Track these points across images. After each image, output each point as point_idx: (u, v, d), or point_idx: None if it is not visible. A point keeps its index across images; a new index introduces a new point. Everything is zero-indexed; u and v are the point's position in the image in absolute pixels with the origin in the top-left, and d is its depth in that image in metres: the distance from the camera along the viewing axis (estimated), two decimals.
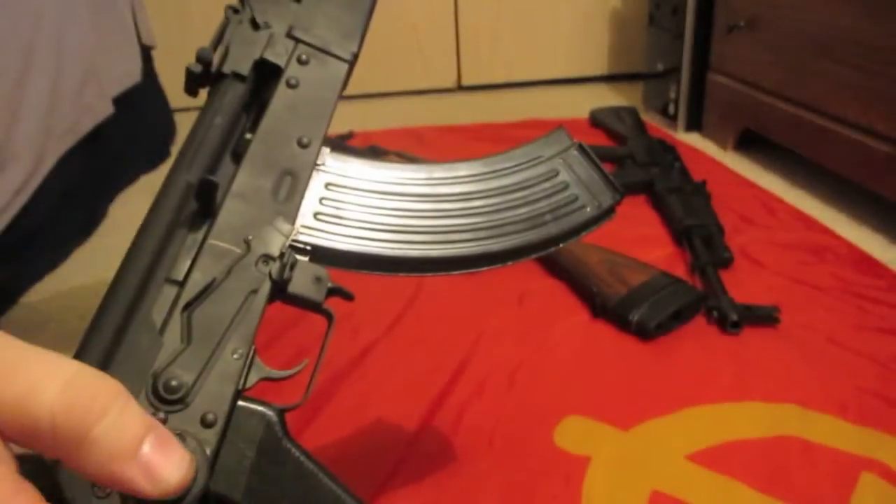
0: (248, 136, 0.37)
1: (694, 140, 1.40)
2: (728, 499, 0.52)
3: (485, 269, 0.44)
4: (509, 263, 0.44)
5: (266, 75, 0.39)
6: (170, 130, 0.75)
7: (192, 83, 0.39)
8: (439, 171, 0.41)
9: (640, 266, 0.80)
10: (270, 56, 0.38)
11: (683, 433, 0.59)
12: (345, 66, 0.40)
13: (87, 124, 0.61)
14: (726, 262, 0.86)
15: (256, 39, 0.39)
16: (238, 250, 0.34)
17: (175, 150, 0.46)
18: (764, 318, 0.74)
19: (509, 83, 1.93)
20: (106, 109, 0.62)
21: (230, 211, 0.35)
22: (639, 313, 0.72)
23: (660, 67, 1.51)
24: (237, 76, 0.38)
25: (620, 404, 0.63)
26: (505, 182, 0.42)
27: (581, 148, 0.42)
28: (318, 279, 0.36)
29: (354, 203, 0.39)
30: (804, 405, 0.62)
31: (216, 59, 0.38)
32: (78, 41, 0.59)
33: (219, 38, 0.38)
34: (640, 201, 1.08)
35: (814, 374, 0.66)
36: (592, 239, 0.86)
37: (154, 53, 0.72)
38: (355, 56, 0.41)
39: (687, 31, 1.38)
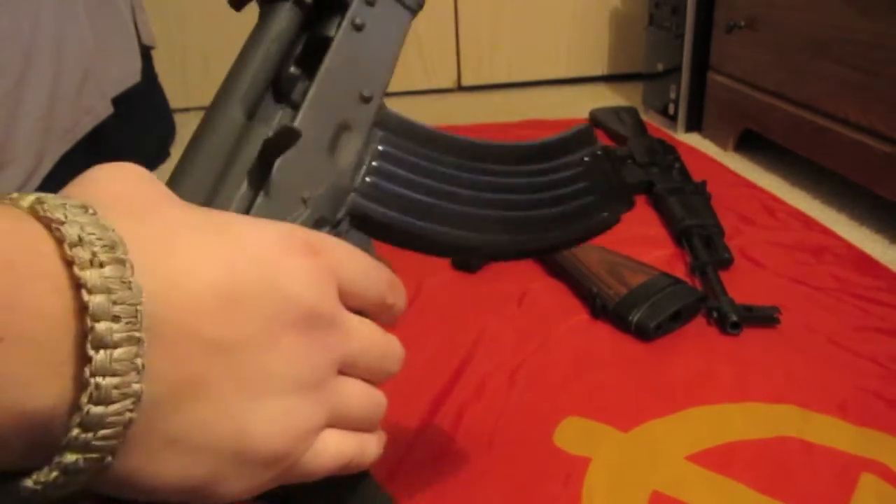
0: (293, 70, 0.33)
1: (694, 140, 1.40)
2: (728, 499, 0.52)
3: (510, 260, 0.42)
4: (529, 258, 0.44)
5: (326, 7, 0.34)
6: (169, 130, 0.75)
7: None
8: (497, 151, 0.39)
9: (640, 266, 0.80)
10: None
11: (683, 434, 0.59)
12: (409, 17, 0.36)
13: (86, 124, 0.61)
14: (726, 263, 0.86)
15: None
16: (297, 211, 0.31)
17: (175, 150, 0.46)
18: (764, 318, 0.74)
19: (509, 83, 1.93)
20: (106, 109, 0.62)
21: (287, 162, 0.31)
22: (639, 314, 0.72)
23: (660, 67, 1.51)
24: (297, 1, 0.33)
25: (620, 405, 0.63)
26: (541, 180, 0.40)
27: (606, 150, 0.42)
28: (364, 250, 0.33)
29: (407, 173, 0.36)
30: (804, 406, 0.62)
31: None
32: (77, 41, 0.59)
33: None
34: (640, 201, 1.08)
35: (814, 374, 0.66)
36: (592, 239, 0.87)
37: (154, 53, 0.72)
38: (420, 7, 0.37)
39: (687, 31, 1.38)
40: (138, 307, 0.19)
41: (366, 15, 0.35)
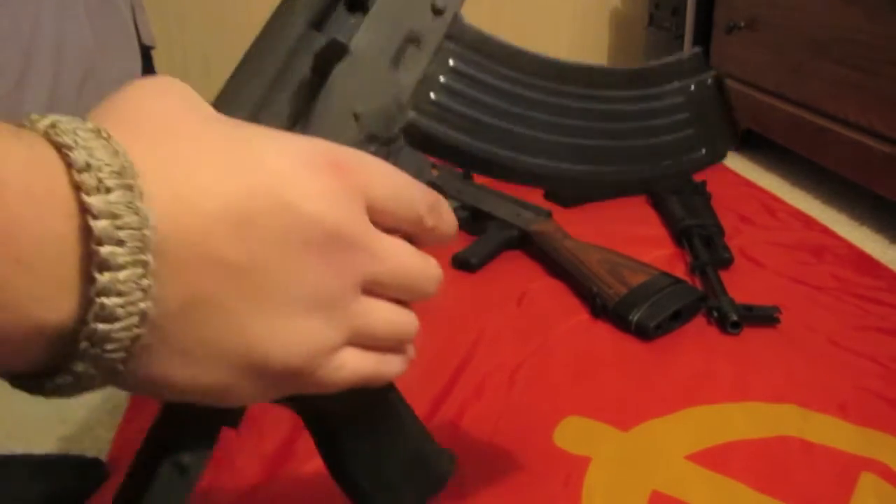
0: None
1: None
2: (728, 499, 0.52)
3: (587, 191, 0.41)
4: (606, 195, 0.42)
5: None
6: None
7: None
8: (577, 75, 0.36)
9: (640, 266, 0.80)
10: None
11: (683, 433, 0.59)
12: None
13: None
14: (726, 263, 0.86)
15: None
16: (346, 126, 0.30)
17: None
18: (764, 318, 0.74)
19: None
20: None
21: (343, 74, 0.29)
22: (639, 313, 0.72)
23: None
24: None
25: (620, 404, 0.63)
26: (632, 108, 0.37)
27: (718, 80, 0.38)
28: (420, 171, 0.32)
29: (478, 93, 0.34)
30: (804, 405, 0.62)
31: None
32: (77, 41, 0.59)
33: None
34: (640, 201, 1.08)
35: (814, 374, 0.66)
36: (592, 239, 0.87)
37: (154, 53, 0.72)
38: None
39: (687, 32, 1.38)
40: (145, 231, 0.19)
41: None
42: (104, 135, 0.20)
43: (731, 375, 0.66)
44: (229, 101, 0.28)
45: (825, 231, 0.97)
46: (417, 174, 0.31)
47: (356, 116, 0.30)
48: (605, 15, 1.89)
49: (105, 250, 0.19)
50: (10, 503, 0.34)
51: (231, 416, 0.30)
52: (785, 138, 1.17)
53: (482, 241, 0.91)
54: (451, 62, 0.33)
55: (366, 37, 0.30)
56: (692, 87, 0.38)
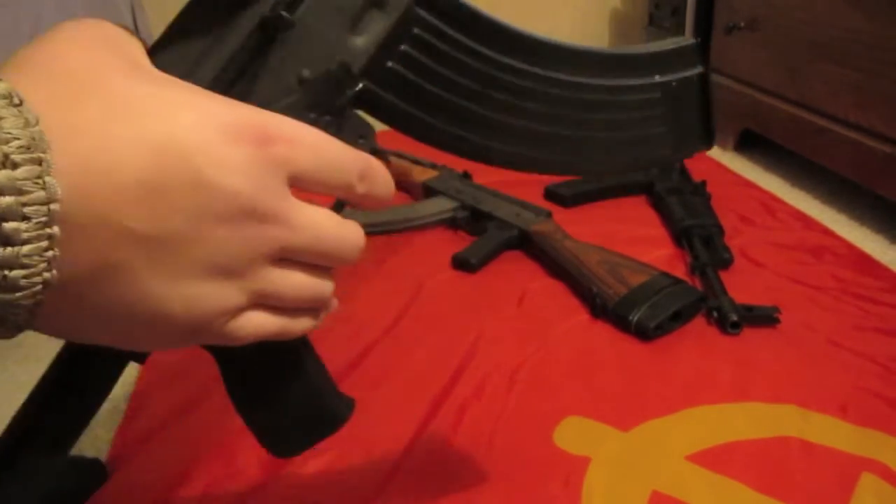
0: None
1: None
2: (728, 499, 0.52)
3: (537, 173, 0.37)
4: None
5: None
6: None
7: None
8: (550, 55, 0.34)
9: (639, 266, 0.80)
10: None
11: (683, 433, 0.59)
12: None
13: None
14: (726, 263, 0.86)
15: None
16: (289, 91, 0.29)
17: None
18: (764, 318, 0.74)
19: None
20: None
21: (291, 37, 0.28)
22: (638, 314, 0.72)
23: None
24: None
25: (620, 405, 0.63)
26: (603, 97, 0.35)
27: (703, 78, 0.35)
28: (361, 137, 0.31)
29: (440, 66, 0.32)
30: (804, 405, 0.62)
31: None
32: None
33: None
34: (640, 201, 1.08)
35: (814, 374, 0.66)
36: (592, 239, 0.87)
37: None
38: None
39: (687, 32, 1.38)
40: (51, 206, 0.20)
41: None
42: (16, 101, 0.19)
43: (731, 375, 0.66)
44: (165, 52, 0.27)
45: (825, 231, 0.97)
46: (358, 141, 0.31)
47: (301, 81, 0.29)
48: (605, 15, 1.89)
49: (9, 226, 0.19)
50: (10, 503, 0.34)
51: (139, 355, 0.32)
52: (785, 138, 1.17)
53: (482, 241, 0.91)
54: (414, 29, 0.31)
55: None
56: (673, 83, 0.35)
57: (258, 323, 0.27)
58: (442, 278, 0.86)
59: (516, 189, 1.00)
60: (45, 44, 0.23)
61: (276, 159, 0.25)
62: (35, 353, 0.72)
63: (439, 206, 0.99)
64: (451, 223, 0.99)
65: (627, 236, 0.92)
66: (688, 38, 0.36)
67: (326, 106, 0.29)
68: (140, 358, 0.33)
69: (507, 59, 0.33)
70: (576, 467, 0.56)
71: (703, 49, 0.35)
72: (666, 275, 0.78)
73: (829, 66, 1.04)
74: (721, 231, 0.92)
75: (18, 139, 0.19)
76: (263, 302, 0.27)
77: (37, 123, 0.20)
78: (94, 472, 0.56)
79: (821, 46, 1.06)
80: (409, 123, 0.33)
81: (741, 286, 0.79)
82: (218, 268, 0.24)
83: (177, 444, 0.60)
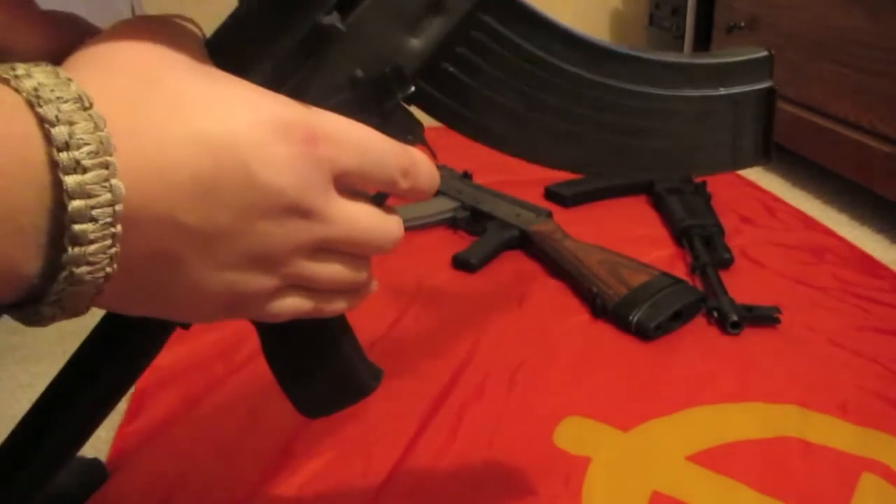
0: None
1: None
2: (728, 499, 0.52)
3: (587, 175, 0.37)
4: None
5: None
6: None
7: None
8: (609, 61, 0.33)
9: (640, 266, 0.80)
10: None
11: (683, 433, 0.59)
12: None
13: None
14: (726, 263, 0.86)
15: None
16: (341, 90, 0.28)
17: None
18: (764, 318, 0.73)
19: None
20: None
21: (347, 37, 0.27)
22: (639, 314, 0.72)
23: None
24: None
25: (620, 405, 0.63)
26: (663, 106, 0.33)
27: (770, 94, 0.33)
28: (410, 134, 0.31)
29: (496, 70, 0.32)
30: (804, 405, 0.62)
31: None
32: None
33: None
34: (640, 201, 1.08)
35: (814, 374, 0.66)
36: (592, 239, 0.87)
37: None
38: None
39: (687, 31, 1.38)
40: (116, 207, 0.21)
41: None
42: (86, 104, 0.20)
43: (731, 375, 0.66)
44: (221, 47, 0.27)
45: (826, 231, 0.97)
46: (406, 136, 0.31)
47: (353, 80, 0.29)
48: (605, 15, 1.89)
49: (78, 227, 0.20)
50: (10, 503, 0.34)
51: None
52: (785, 138, 1.17)
53: (482, 241, 0.91)
54: (472, 32, 0.31)
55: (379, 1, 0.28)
56: (739, 95, 0.34)
57: (294, 303, 0.28)
58: (442, 278, 0.86)
59: (516, 189, 1.00)
60: (109, 41, 0.24)
61: (321, 158, 0.26)
62: (35, 354, 0.72)
63: (439, 206, 0.99)
64: (452, 223, 0.99)
65: (627, 236, 0.92)
66: (761, 50, 0.34)
67: (376, 106, 0.30)
68: (186, 325, 0.34)
69: (564, 64, 0.32)
70: (576, 467, 0.55)
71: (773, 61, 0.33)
72: (666, 275, 0.78)
73: (830, 65, 1.04)
74: (721, 231, 0.92)
75: (89, 144, 0.20)
76: (299, 284, 0.28)
77: (104, 127, 0.21)
78: (94, 472, 0.56)
79: (821, 46, 1.06)
80: (460, 122, 0.33)
81: (741, 286, 0.79)
82: (260, 258, 0.26)
83: (177, 444, 0.60)
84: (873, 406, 0.61)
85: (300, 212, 0.25)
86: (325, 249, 0.28)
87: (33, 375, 0.69)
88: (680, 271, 0.84)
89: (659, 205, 1.03)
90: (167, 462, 0.58)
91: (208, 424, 0.62)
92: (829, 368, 0.66)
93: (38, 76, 0.20)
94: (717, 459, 0.56)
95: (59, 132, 0.20)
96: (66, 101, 0.20)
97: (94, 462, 0.57)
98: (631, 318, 0.72)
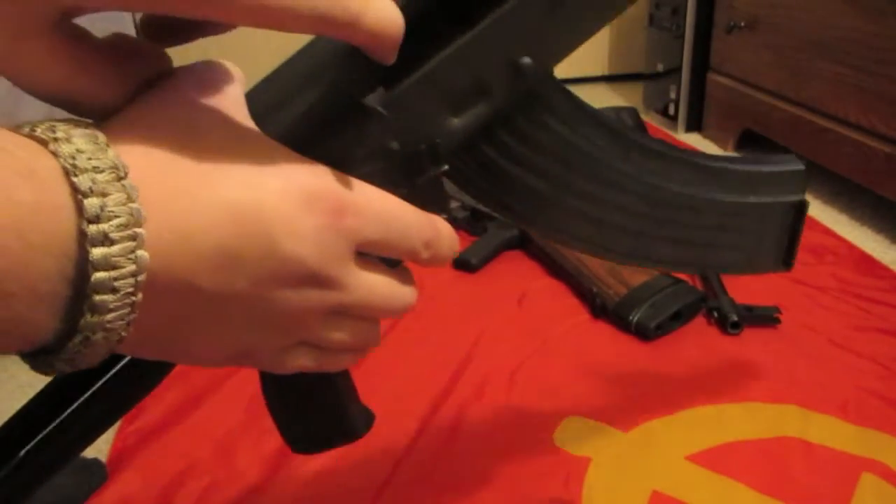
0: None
1: (694, 140, 1.40)
2: (728, 499, 0.52)
3: (606, 259, 0.37)
4: (627, 263, 0.37)
5: None
6: None
7: None
8: (646, 157, 0.33)
9: (640, 267, 0.80)
10: None
11: (684, 434, 0.59)
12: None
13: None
14: None
15: None
16: (375, 160, 0.28)
17: None
18: (764, 318, 0.73)
19: None
20: None
21: (388, 106, 0.26)
22: (639, 314, 0.72)
23: (660, 68, 1.51)
24: None
25: (620, 405, 0.63)
26: (691, 203, 0.33)
27: (801, 208, 0.34)
28: (438, 208, 0.31)
29: (537, 155, 0.32)
30: (804, 406, 0.61)
31: None
32: None
33: None
34: None
35: (814, 374, 0.66)
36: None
37: None
38: None
39: (687, 32, 1.38)
40: (139, 277, 0.21)
41: None
42: (122, 174, 0.20)
43: (731, 375, 0.66)
44: (261, 98, 0.27)
45: (826, 231, 0.97)
46: (433, 207, 0.30)
47: (387, 151, 0.28)
48: None
49: (98, 298, 0.20)
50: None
51: None
52: (785, 138, 1.17)
53: (482, 241, 0.91)
54: (516, 118, 0.30)
55: (431, 76, 0.28)
56: (769, 204, 0.34)
57: (301, 359, 0.29)
58: (442, 278, 0.86)
59: None
60: (156, 96, 0.24)
61: (345, 229, 0.26)
62: None
63: None
64: (452, 223, 0.98)
65: None
66: (797, 162, 0.34)
67: (407, 180, 0.29)
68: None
69: (601, 154, 0.33)
70: (576, 467, 0.55)
71: (807, 176, 0.33)
72: (666, 275, 0.78)
73: (830, 65, 1.04)
74: None
75: (119, 217, 0.20)
76: (309, 343, 0.28)
77: (137, 198, 0.20)
78: (94, 472, 0.56)
79: (821, 46, 1.06)
80: (487, 198, 0.33)
81: (741, 286, 0.79)
82: (272, 322, 0.26)
83: (177, 444, 0.60)
84: (873, 406, 0.61)
85: (318, 281, 0.26)
86: (338, 313, 0.28)
87: (34, 376, 0.68)
88: (680, 271, 0.84)
89: None
90: (167, 462, 0.58)
91: (208, 424, 0.62)
92: (829, 368, 0.66)
93: (77, 141, 0.20)
94: (717, 459, 0.56)
95: (92, 204, 0.19)
96: (101, 171, 0.20)
97: (94, 462, 0.57)
98: (631, 318, 0.72)
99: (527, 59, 0.28)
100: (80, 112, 0.23)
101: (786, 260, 0.36)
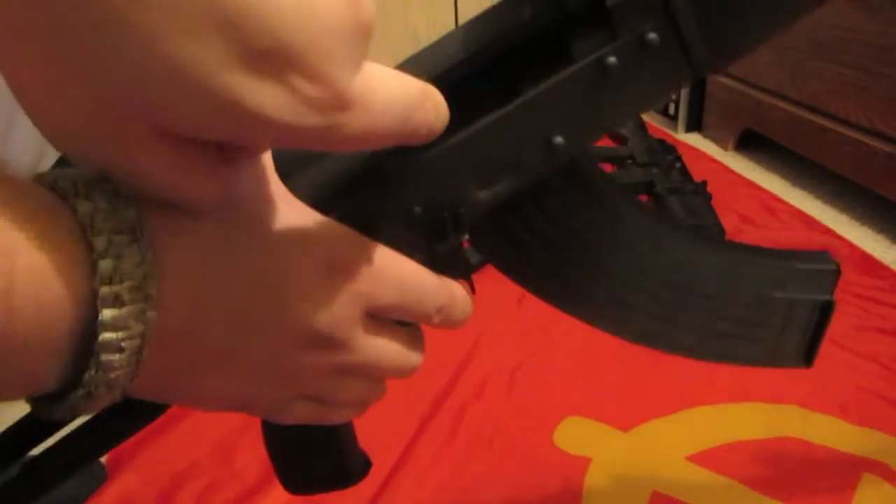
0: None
1: (694, 140, 1.40)
2: (728, 499, 0.52)
3: (619, 337, 0.37)
4: (639, 343, 0.37)
5: (586, 21, 0.26)
6: None
7: None
8: (674, 245, 0.33)
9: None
10: (620, 17, 0.25)
11: (684, 434, 0.59)
12: (681, 79, 0.27)
13: None
14: None
15: None
16: (396, 220, 0.28)
17: None
18: None
19: None
20: None
21: (416, 169, 0.26)
22: None
23: None
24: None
25: (620, 405, 0.63)
26: (715, 292, 0.33)
27: (828, 308, 0.33)
28: (457, 274, 0.31)
29: (556, 231, 0.32)
30: (805, 406, 0.61)
31: None
32: None
33: None
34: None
35: (814, 374, 0.66)
36: None
37: None
38: (706, 72, 0.28)
39: None
40: (147, 337, 0.20)
41: (623, 58, 0.26)
42: (139, 234, 0.20)
43: (732, 376, 0.66)
44: (286, 159, 0.27)
45: (826, 231, 0.97)
46: (450, 272, 0.30)
47: (410, 215, 0.28)
48: None
49: (105, 357, 0.20)
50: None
51: None
52: (785, 138, 1.17)
53: None
54: (544, 195, 0.30)
55: (462, 146, 0.27)
56: (795, 300, 0.33)
57: (303, 412, 0.28)
58: None
59: None
60: None
61: (359, 294, 0.25)
62: None
63: None
64: None
65: None
66: (830, 262, 0.33)
67: (428, 245, 0.29)
68: None
69: (629, 236, 0.32)
70: (576, 467, 0.55)
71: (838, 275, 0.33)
72: None
73: (830, 65, 1.04)
74: (722, 231, 0.92)
75: (131, 279, 0.19)
76: (311, 396, 0.28)
77: (152, 259, 0.20)
78: (94, 472, 0.56)
79: (821, 45, 1.06)
80: (504, 265, 0.34)
81: None
82: (276, 376, 0.26)
83: (177, 444, 0.60)
84: (873, 406, 0.61)
85: (327, 343, 0.25)
86: (343, 371, 0.28)
87: None
88: None
89: (659, 205, 1.03)
90: (167, 462, 0.58)
91: (208, 424, 0.62)
92: (830, 368, 0.66)
93: (97, 199, 0.20)
94: (717, 459, 0.56)
95: (106, 265, 0.19)
96: (118, 232, 0.19)
97: (94, 462, 0.57)
98: None
99: (560, 139, 0.28)
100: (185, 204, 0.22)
101: (807, 357, 0.34)
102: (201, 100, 0.17)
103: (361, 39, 0.18)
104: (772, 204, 1.06)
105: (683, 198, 1.00)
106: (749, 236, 0.95)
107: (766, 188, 1.13)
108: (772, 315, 0.33)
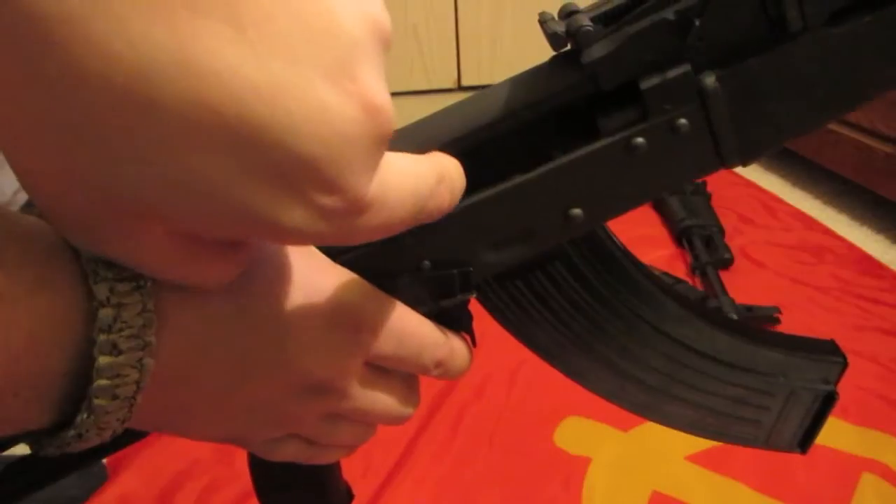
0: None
1: None
2: (728, 499, 0.52)
3: (617, 405, 0.37)
4: (637, 414, 0.37)
5: (618, 100, 0.26)
6: None
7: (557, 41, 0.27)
8: (680, 321, 0.33)
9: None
10: (653, 100, 0.25)
11: (683, 434, 0.59)
12: (712, 168, 0.26)
13: None
14: (726, 263, 0.86)
15: (660, 51, 0.24)
16: (406, 274, 0.28)
17: None
18: (764, 318, 0.73)
19: None
20: None
21: (439, 224, 0.25)
22: None
23: None
24: (592, 77, 0.25)
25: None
26: (717, 372, 0.34)
27: (830, 399, 0.33)
28: (460, 327, 0.31)
29: (562, 298, 0.32)
30: None
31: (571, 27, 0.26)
32: None
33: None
34: None
35: None
36: None
37: None
38: (736, 163, 0.27)
39: None
40: (140, 384, 0.20)
41: (654, 142, 0.26)
42: (141, 283, 0.19)
43: None
44: None
45: (826, 231, 0.97)
46: (453, 326, 0.30)
47: (418, 269, 0.28)
48: None
49: (98, 402, 0.19)
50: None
51: None
52: None
53: None
54: (553, 263, 0.31)
55: (477, 209, 0.27)
56: (798, 389, 0.33)
57: (291, 450, 0.28)
58: None
59: None
60: None
61: (359, 345, 0.25)
62: None
63: None
64: None
65: (627, 236, 0.91)
66: (839, 354, 0.33)
67: (433, 300, 0.29)
68: None
69: (634, 311, 0.33)
70: (576, 467, 0.55)
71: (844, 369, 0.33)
72: (666, 275, 0.78)
73: None
74: (721, 231, 0.92)
75: (131, 328, 0.19)
76: (302, 436, 0.28)
77: (152, 307, 0.20)
78: (94, 472, 0.56)
79: None
80: (509, 324, 0.34)
81: (741, 286, 0.79)
82: (269, 417, 0.26)
83: (177, 445, 0.60)
84: (874, 406, 0.61)
85: (323, 390, 0.26)
86: (335, 415, 0.28)
87: None
88: (680, 271, 0.84)
89: (659, 205, 1.03)
90: (167, 462, 0.58)
91: None
92: None
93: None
94: (717, 459, 0.56)
95: (105, 314, 0.19)
96: (121, 280, 0.19)
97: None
98: None
99: (577, 211, 0.28)
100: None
101: (802, 443, 0.34)
102: (215, 210, 0.16)
103: (380, 146, 0.17)
104: (772, 204, 1.07)
105: (683, 198, 1.00)
106: (748, 236, 0.95)
107: (766, 188, 1.13)
108: (772, 400, 0.34)
